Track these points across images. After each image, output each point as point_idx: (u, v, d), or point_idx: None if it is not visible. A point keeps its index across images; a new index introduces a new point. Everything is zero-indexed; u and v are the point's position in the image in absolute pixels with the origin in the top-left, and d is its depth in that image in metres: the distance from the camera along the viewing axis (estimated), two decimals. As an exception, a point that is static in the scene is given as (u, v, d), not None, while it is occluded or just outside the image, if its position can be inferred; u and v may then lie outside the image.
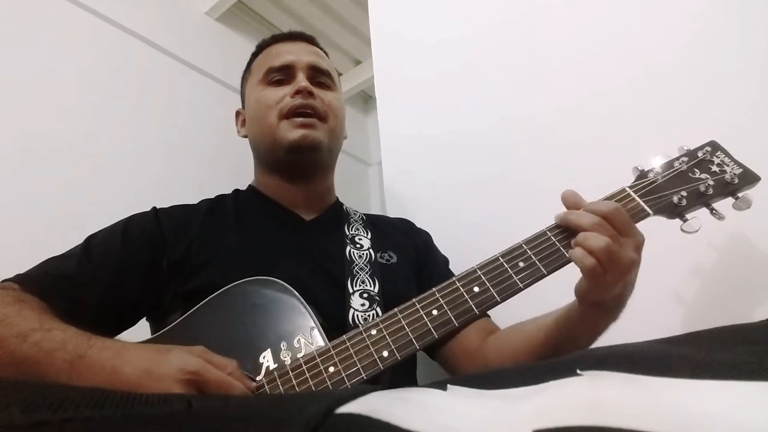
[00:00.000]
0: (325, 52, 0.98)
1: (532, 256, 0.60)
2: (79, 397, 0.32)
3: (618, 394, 0.30)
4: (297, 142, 0.83)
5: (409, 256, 0.90)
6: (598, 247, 0.54)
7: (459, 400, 0.38)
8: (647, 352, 0.38)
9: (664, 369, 0.33)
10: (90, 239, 0.74)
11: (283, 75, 0.89)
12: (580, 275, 0.59)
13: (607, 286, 0.57)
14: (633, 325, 0.80)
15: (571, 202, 0.62)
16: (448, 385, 0.41)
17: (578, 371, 0.35)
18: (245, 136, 0.95)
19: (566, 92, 1.01)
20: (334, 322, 0.68)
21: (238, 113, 0.99)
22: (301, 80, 0.86)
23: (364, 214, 0.97)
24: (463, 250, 0.99)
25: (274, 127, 0.85)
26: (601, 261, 0.55)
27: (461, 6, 1.22)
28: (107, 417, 0.31)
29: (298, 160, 0.86)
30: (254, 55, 0.97)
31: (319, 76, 0.91)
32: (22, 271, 0.68)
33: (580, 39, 1.01)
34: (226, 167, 1.46)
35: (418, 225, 1.03)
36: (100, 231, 0.76)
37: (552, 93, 1.03)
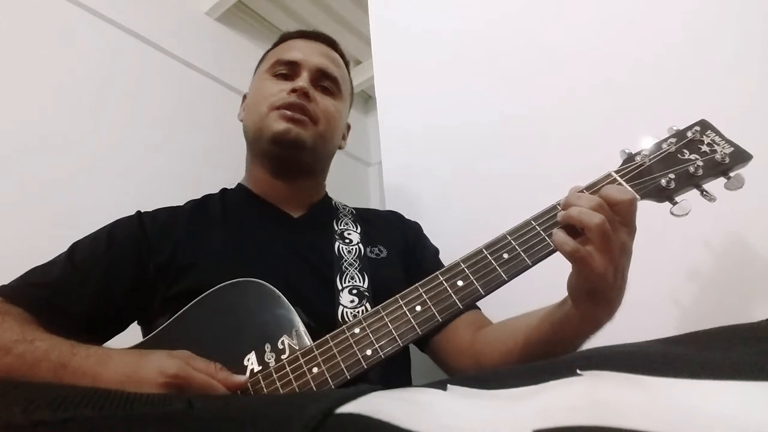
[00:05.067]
0: (343, 57, 0.98)
1: (517, 247, 0.59)
2: (79, 397, 0.32)
3: (618, 394, 0.30)
4: (280, 134, 0.83)
5: (399, 249, 0.89)
6: (593, 223, 0.52)
7: (459, 400, 0.38)
8: (647, 352, 0.38)
9: (664, 369, 0.33)
10: (74, 246, 0.74)
11: (288, 70, 0.89)
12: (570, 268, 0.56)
13: (598, 271, 0.53)
14: (633, 325, 0.80)
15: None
16: (448, 385, 0.41)
17: (578, 371, 0.35)
18: (242, 120, 0.95)
19: (566, 88, 1.00)
20: (324, 319, 0.67)
21: (244, 96, 1.00)
22: (301, 80, 0.86)
23: (353, 209, 0.97)
24: (464, 249, 0.99)
25: (263, 116, 0.85)
26: (594, 241, 0.52)
27: (461, 5, 1.22)
28: (107, 417, 0.31)
29: (279, 154, 0.86)
30: (276, 44, 0.98)
31: (324, 81, 0.90)
32: (19, 269, 0.68)
33: (580, 34, 1.01)
34: (225, 167, 1.46)
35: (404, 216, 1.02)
36: (84, 238, 0.76)
37: (552, 89, 1.03)
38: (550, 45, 1.05)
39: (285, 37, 0.97)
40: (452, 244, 1.00)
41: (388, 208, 1.23)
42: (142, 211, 0.81)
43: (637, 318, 0.80)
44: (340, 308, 0.73)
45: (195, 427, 0.32)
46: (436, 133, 1.21)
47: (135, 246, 0.75)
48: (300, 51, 0.91)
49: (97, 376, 0.50)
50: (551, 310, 0.64)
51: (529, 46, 1.08)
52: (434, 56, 1.26)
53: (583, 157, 0.94)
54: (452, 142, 1.17)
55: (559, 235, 0.55)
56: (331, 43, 0.97)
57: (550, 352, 0.62)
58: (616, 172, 0.63)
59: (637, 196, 0.59)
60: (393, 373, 0.73)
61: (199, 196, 0.90)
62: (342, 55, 0.98)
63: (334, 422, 0.29)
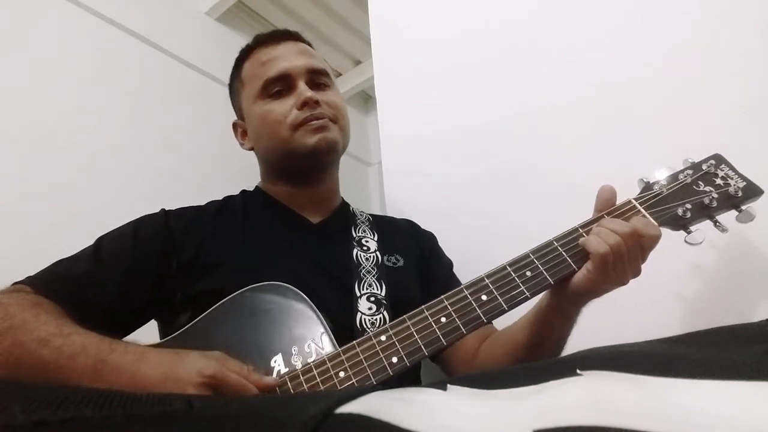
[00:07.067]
0: (310, 44, 0.95)
1: (540, 266, 0.61)
2: (80, 397, 0.32)
3: (618, 394, 0.30)
4: (316, 147, 0.82)
5: (414, 260, 0.89)
6: (613, 241, 0.58)
7: (459, 399, 0.38)
8: (647, 352, 0.39)
9: (664, 369, 0.33)
10: (100, 241, 0.75)
11: (281, 86, 0.85)
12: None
13: (609, 280, 0.60)
14: (633, 325, 0.80)
15: (605, 198, 0.66)
16: (448, 385, 0.41)
17: (578, 371, 0.35)
18: (251, 149, 0.92)
19: (568, 90, 1.00)
20: (342, 325, 0.68)
21: (235, 125, 0.95)
22: (304, 90, 0.84)
23: (370, 215, 0.97)
24: (464, 250, 0.99)
25: (288, 139, 0.83)
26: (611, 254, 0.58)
27: (461, 5, 1.22)
28: (107, 417, 0.31)
29: (315, 165, 0.86)
30: (240, 60, 0.93)
31: (318, 78, 0.89)
32: (21, 269, 0.68)
33: (581, 37, 1.01)
34: (226, 167, 1.46)
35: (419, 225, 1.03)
36: (110, 232, 0.76)
37: (553, 92, 1.03)
38: (551, 46, 1.05)
39: (248, 50, 0.92)
40: (453, 244, 1.00)
41: (387, 211, 1.24)
42: (167, 209, 0.81)
43: (637, 318, 0.80)
44: (358, 315, 0.73)
45: (195, 427, 0.32)
46: (436, 133, 1.21)
47: (161, 243, 0.75)
48: (281, 59, 0.87)
49: (137, 373, 0.51)
50: (532, 312, 0.69)
51: (530, 47, 1.08)
52: (434, 57, 1.25)
53: (584, 158, 0.94)
54: (452, 142, 1.17)
55: (593, 238, 0.60)
56: (295, 36, 0.94)
57: (533, 353, 0.68)
58: (636, 199, 0.66)
59: (655, 224, 0.63)
60: (405, 376, 0.74)
61: (200, 195, 0.90)
62: (306, 42, 0.95)
63: (334, 422, 0.29)
